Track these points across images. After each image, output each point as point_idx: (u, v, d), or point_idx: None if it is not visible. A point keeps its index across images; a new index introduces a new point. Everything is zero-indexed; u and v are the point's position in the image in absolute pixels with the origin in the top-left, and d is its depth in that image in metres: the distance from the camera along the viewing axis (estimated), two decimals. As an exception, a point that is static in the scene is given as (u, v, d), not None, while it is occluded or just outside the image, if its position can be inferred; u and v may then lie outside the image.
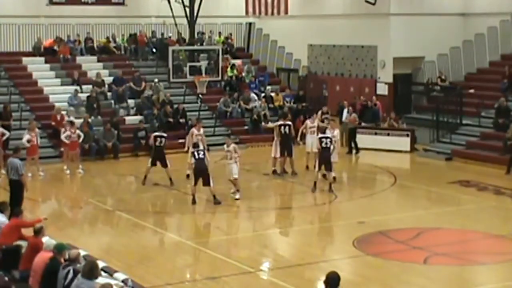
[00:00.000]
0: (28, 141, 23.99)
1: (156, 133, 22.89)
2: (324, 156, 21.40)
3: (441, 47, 32.29)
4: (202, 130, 23.87)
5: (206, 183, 20.01)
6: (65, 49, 32.83)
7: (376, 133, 28.94)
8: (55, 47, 32.98)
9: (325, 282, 9.47)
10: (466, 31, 32.83)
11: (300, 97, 32.83)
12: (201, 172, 19.96)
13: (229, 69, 33.89)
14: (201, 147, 20.80)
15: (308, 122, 25.17)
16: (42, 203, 21.79)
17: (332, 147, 21.71)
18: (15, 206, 16.34)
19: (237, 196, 20.78)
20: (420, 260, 15.59)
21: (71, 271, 10.92)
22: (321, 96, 34.03)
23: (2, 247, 13.17)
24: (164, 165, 22.37)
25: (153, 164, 22.45)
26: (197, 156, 20.02)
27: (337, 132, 23.32)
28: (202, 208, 20.38)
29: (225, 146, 21.55)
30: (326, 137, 21.58)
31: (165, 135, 22.91)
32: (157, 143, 22.45)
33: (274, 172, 24.14)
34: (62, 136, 25.25)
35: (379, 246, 16.97)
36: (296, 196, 22.60)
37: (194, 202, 20.24)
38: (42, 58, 32.61)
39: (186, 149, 23.03)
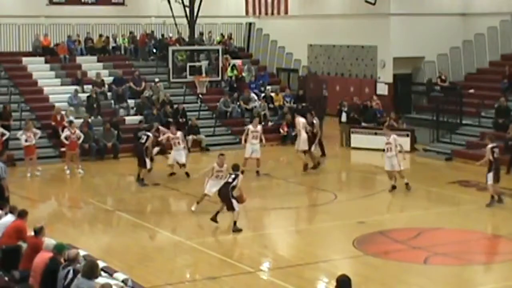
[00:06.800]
0: (26, 140, 24.04)
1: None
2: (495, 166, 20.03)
3: (441, 47, 32.30)
4: (259, 127, 24.20)
5: (230, 208, 17.84)
6: (63, 49, 32.83)
7: (376, 133, 28.88)
8: (51, 45, 33.06)
9: (336, 287, 8.88)
10: (466, 31, 32.83)
11: (300, 97, 32.82)
12: (221, 196, 18.05)
13: (229, 69, 33.89)
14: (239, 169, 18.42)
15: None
16: (42, 203, 21.79)
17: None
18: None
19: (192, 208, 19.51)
20: (420, 260, 15.58)
21: (71, 271, 10.93)
22: (321, 96, 34.02)
23: (2, 247, 13.16)
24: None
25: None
26: (227, 180, 18.03)
27: (393, 137, 21.62)
28: (202, 208, 20.36)
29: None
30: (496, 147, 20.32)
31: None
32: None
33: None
34: (62, 137, 25.29)
35: (379, 246, 16.97)
36: (296, 196, 22.57)
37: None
38: (42, 58, 32.61)
39: (244, 142, 24.04)
